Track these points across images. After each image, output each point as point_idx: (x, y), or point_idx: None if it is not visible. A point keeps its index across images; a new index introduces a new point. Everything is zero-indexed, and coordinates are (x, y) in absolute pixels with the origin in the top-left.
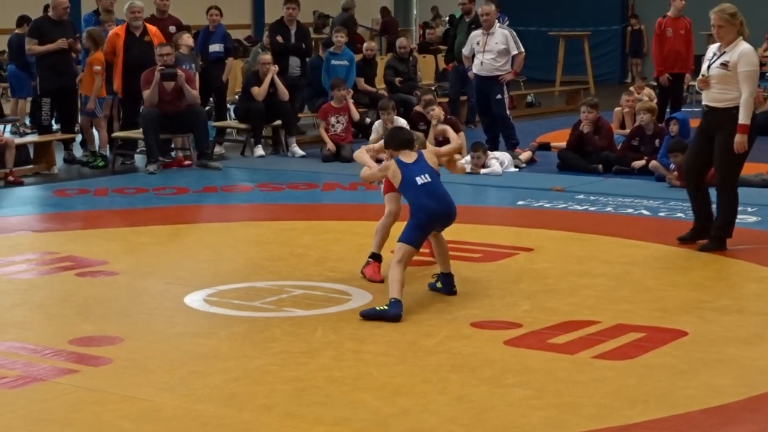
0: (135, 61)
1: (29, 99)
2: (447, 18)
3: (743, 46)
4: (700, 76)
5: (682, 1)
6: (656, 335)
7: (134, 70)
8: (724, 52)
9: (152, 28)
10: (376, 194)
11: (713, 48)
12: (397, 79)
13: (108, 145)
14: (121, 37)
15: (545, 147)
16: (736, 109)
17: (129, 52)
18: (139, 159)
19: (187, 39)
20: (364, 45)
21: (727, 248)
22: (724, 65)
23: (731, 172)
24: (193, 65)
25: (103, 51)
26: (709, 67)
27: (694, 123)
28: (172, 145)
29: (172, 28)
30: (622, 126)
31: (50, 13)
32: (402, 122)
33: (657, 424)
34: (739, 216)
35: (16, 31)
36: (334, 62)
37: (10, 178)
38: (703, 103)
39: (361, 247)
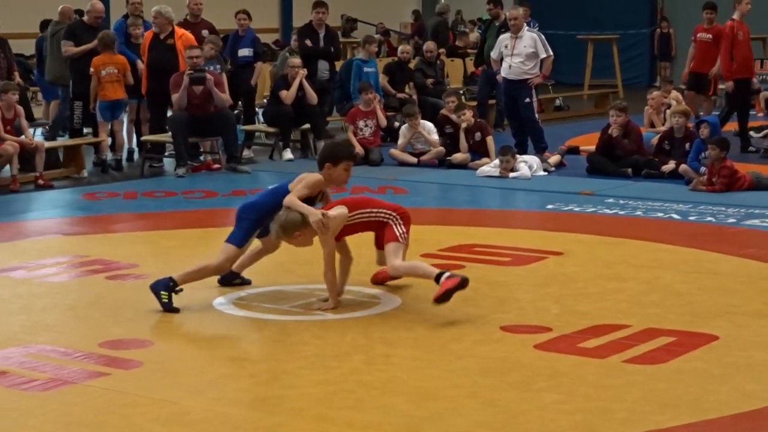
0: (156, 63)
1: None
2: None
3: None
4: None
5: (747, 5)
6: (687, 339)
7: (156, 72)
8: None
9: (179, 32)
10: (405, 198)
11: None
12: (429, 80)
13: (126, 149)
14: (147, 39)
15: (574, 151)
16: None
17: (151, 54)
18: (167, 162)
19: (208, 46)
20: (399, 48)
21: None
22: None
23: None
24: (219, 66)
25: (109, 53)
26: None
27: (730, 126)
28: (201, 149)
29: (205, 32)
30: (652, 125)
31: (85, 18)
32: (429, 126)
33: (688, 429)
34: (761, 219)
35: (40, 34)
36: (366, 69)
37: (40, 182)
38: None
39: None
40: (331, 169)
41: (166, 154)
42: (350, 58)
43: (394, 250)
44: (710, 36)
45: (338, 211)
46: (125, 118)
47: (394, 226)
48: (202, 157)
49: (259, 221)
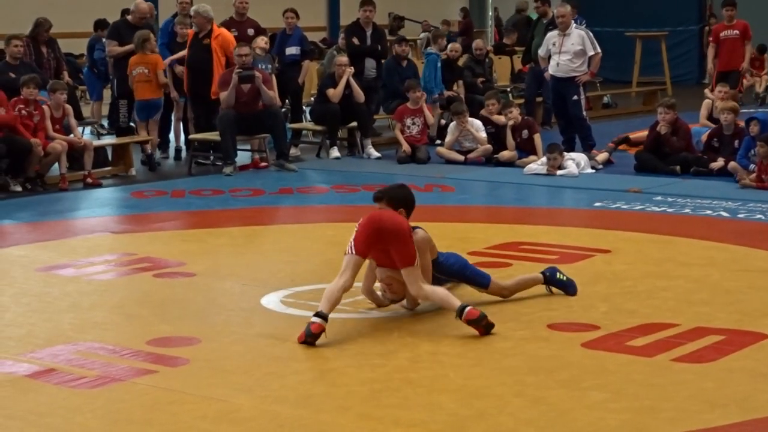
0: (193, 62)
1: (101, 101)
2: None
3: None
4: None
5: None
6: (736, 338)
7: (194, 71)
8: None
9: (217, 31)
10: (452, 196)
11: None
12: (479, 80)
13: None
14: (189, 38)
15: (625, 140)
16: None
17: (190, 53)
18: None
19: (260, 41)
20: (449, 46)
21: None
22: None
23: None
24: (269, 66)
25: (142, 53)
26: None
27: None
28: (248, 147)
29: (251, 31)
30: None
31: (129, 18)
32: (477, 124)
33: (737, 428)
34: None
35: (94, 34)
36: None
37: (89, 180)
38: None
39: (438, 248)
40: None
41: (210, 153)
42: (426, 52)
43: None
44: (737, 32)
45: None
46: (172, 117)
47: None
48: (250, 156)
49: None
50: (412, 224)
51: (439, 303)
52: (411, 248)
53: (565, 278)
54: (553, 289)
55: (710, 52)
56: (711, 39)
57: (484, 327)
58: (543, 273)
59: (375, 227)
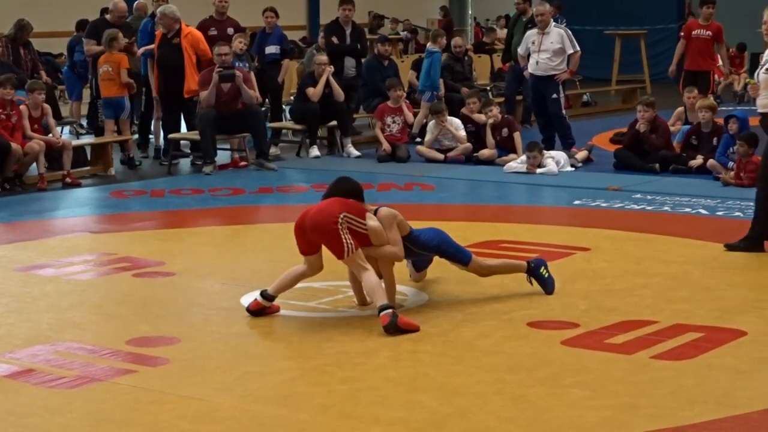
0: (163, 62)
1: (81, 101)
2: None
3: None
4: (748, 82)
5: None
6: (715, 335)
7: (164, 71)
8: None
9: (186, 30)
10: (432, 195)
11: None
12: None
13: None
14: (157, 39)
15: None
16: None
17: (159, 53)
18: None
19: (237, 40)
20: (428, 46)
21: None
22: None
23: None
24: (247, 64)
25: (109, 51)
26: (757, 74)
27: (753, 121)
28: (228, 146)
29: (231, 30)
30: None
31: (108, 17)
32: (456, 123)
33: (716, 425)
34: None
35: (75, 34)
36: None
37: (68, 180)
38: (759, 111)
39: None
40: None
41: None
42: (429, 50)
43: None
44: (709, 33)
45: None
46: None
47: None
48: (229, 155)
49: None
50: (374, 206)
51: (367, 293)
52: (338, 241)
53: (547, 275)
54: (533, 281)
55: (679, 47)
56: (682, 34)
57: (392, 331)
58: (529, 263)
59: (299, 227)
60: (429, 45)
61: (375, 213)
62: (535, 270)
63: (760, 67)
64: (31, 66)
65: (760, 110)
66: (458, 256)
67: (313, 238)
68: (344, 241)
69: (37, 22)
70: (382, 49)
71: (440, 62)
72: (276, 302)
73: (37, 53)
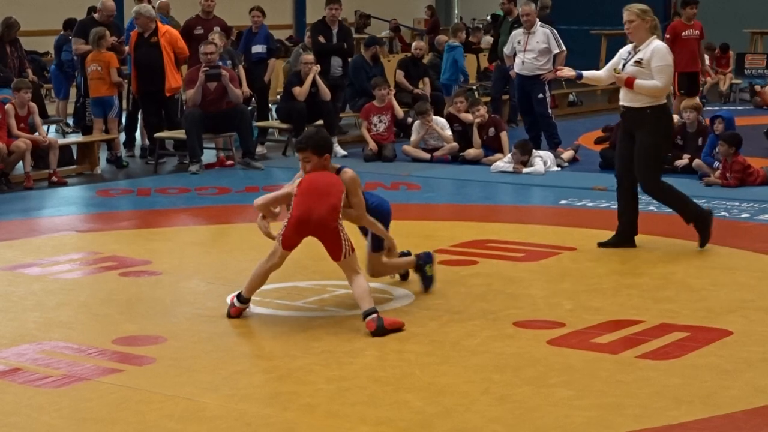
0: (142, 62)
1: (67, 100)
2: (489, 18)
3: (656, 44)
4: (613, 72)
5: None
6: (700, 335)
7: (143, 71)
8: (638, 50)
9: (163, 28)
10: (419, 194)
11: (627, 48)
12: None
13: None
14: (133, 39)
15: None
16: (651, 108)
17: (137, 53)
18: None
19: (219, 36)
20: (413, 44)
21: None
22: (638, 63)
23: (650, 174)
24: (229, 62)
25: (96, 50)
26: (624, 66)
27: (740, 121)
28: (213, 146)
29: (217, 29)
30: None
31: (96, 15)
32: (442, 122)
33: (701, 425)
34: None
35: (62, 33)
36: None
37: (54, 179)
38: (620, 103)
39: (402, 246)
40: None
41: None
42: (451, 44)
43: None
44: (697, 32)
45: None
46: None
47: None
48: (215, 154)
49: None
50: (338, 165)
51: (356, 297)
52: (338, 242)
53: (430, 274)
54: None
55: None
56: (668, 36)
57: (380, 334)
58: (418, 256)
59: (304, 222)
60: (450, 40)
61: (338, 172)
62: (421, 267)
63: (623, 61)
64: (18, 64)
65: (627, 104)
66: (377, 239)
67: (316, 234)
68: (343, 243)
69: (24, 20)
70: (368, 55)
71: (462, 55)
72: (265, 300)
73: (24, 52)
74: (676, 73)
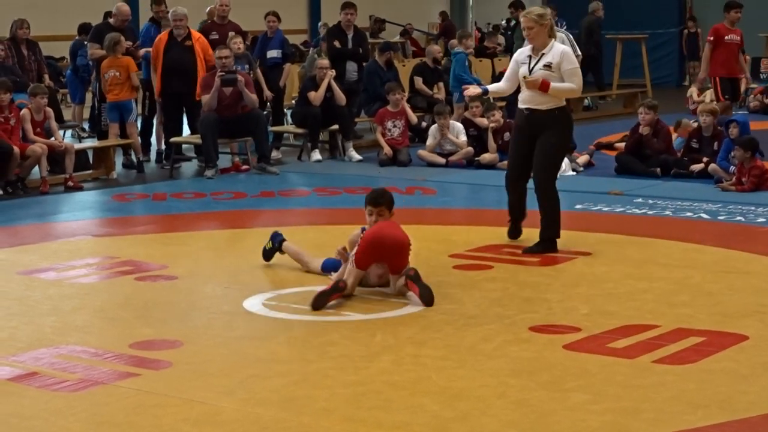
0: (171, 63)
1: (83, 104)
2: (504, 21)
3: (561, 48)
4: (521, 78)
5: None
6: (717, 339)
7: (171, 72)
8: (543, 54)
9: (196, 34)
10: (434, 199)
11: (525, 52)
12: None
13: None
14: (163, 41)
15: (608, 147)
16: (558, 110)
17: (166, 54)
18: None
19: (237, 41)
20: (429, 49)
21: (558, 250)
22: (548, 66)
23: (550, 174)
24: (247, 66)
25: (113, 56)
26: (531, 70)
27: (755, 126)
28: (228, 150)
29: (232, 34)
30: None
31: (111, 20)
32: (458, 128)
33: (718, 429)
34: None
35: (77, 38)
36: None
37: (70, 183)
38: (523, 106)
39: (419, 251)
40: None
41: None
42: (455, 51)
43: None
44: (738, 38)
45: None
46: (155, 120)
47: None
48: (230, 159)
49: None
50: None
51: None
52: (406, 261)
53: (268, 246)
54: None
55: (707, 52)
56: (711, 38)
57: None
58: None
59: (378, 245)
60: (456, 47)
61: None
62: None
63: (525, 65)
64: (37, 68)
65: (532, 107)
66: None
67: (392, 253)
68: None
69: (39, 25)
70: (382, 60)
71: (464, 62)
72: (281, 305)
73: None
74: (718, 78)
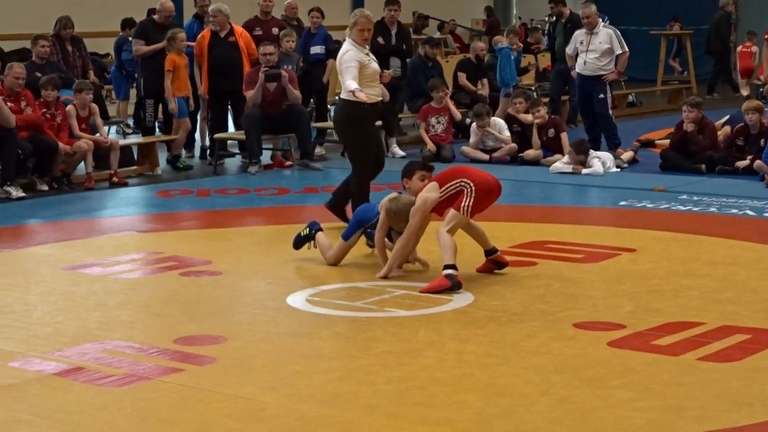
0: (217, 61)
1: (128, 100)
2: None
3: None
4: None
5: None
6: (762, 337)
7: (218, 70)
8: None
9: (238, 29)
10: None
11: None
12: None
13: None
14: (206, 38)
15: (649, 144)
16: None
17: (212, 52)
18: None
19: (285, 39)
20: (474, 45)
21: None
22: None
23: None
24: (293, 65)
25: (175, 53)
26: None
27: None
28: (271, 146)
29: (275, 30)
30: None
31: (155, 17)
32: (500, 124)
33: (763, 428)
34: None
35: (121, 33)
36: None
37: (115, 179)
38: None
39: (463, 247)
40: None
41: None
42: (500, 47)
43: (449, 218)
44: None
45: (426, 194)
46: (198, 116)
47: (464, 196)
48: (271, 156)
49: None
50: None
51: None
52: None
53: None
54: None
55: (766, 52)
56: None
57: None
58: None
59: (494, 191)
60: (502, 42)
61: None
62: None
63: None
64: (82, 64)
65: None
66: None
67: (497, 194)
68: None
69: (84, 22)
70: (430, 53)
71: (509, 58)
72: (324, 301)
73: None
74: None
